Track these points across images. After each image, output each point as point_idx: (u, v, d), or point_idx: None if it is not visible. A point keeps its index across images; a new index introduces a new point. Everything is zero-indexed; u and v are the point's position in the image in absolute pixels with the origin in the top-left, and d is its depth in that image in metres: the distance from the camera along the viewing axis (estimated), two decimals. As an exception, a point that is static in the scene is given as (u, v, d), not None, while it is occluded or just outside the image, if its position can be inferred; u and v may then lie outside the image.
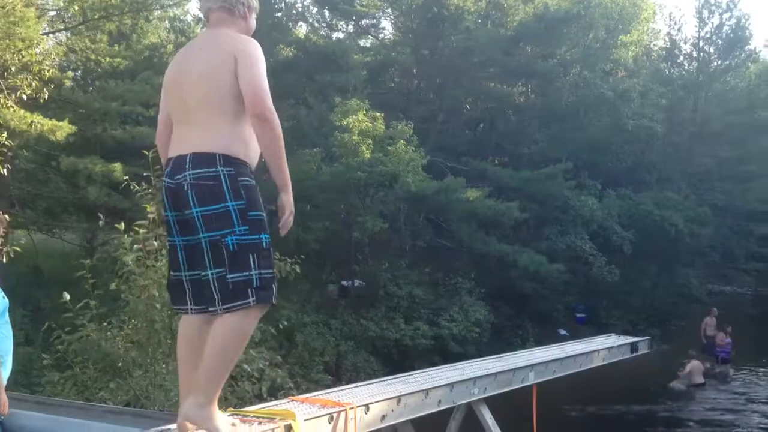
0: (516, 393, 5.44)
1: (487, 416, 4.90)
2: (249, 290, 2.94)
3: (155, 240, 6.27)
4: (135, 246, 6.19)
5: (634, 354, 7.21)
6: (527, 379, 5.35)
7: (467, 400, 4.77)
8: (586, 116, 24.69)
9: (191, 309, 3.15)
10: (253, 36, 3.31)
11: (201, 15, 3.67)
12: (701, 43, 31.23)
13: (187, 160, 2.99)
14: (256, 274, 2.96)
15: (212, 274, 2.97)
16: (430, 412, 4.34)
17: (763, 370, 20.65)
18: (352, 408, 3.67)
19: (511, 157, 24.58)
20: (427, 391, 4.31)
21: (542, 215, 22.50)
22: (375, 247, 19.37)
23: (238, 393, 6.46)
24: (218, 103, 3.03)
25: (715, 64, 31.62)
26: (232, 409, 3.64)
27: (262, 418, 3.37)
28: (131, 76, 17.14)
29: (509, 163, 23.79)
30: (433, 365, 7.43)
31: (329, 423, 3.56)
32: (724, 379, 19.46)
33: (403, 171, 17.29)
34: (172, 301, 3.27)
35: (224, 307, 2.95)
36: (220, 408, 3.12)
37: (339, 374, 15.87)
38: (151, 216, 6.29)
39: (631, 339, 7.33)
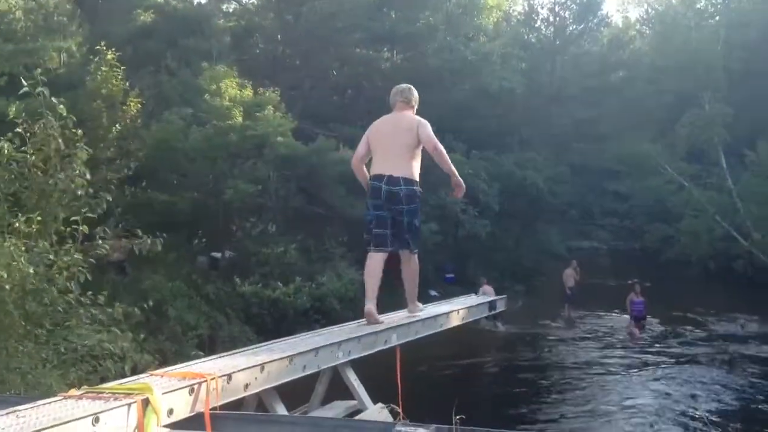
0: (388, 353, 5.58)
1: (352, 378, 5.01)
2: (413, 245, 5.94)
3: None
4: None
5: (492, 312, 7.55)
6: (390, 341, 5.48)
7: (332, 364, 4.85)
8: (451, 80, 25.20)
9: (389, 250, 5.89)
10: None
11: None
12: (557, 8, 32.50)
13: (401, 180, 5.71)
14: (416, 238, 5.97)
15: (407, 236, 5.83)
16: (295, 377, 4.39)
17: (616, 314, 22.16)
18: (213, 378, 3.65)
19: (379, 123, 24.78)
20: (291, 358, 4.35)
21: (411, 179, 22.89)
22: (246, 217, 19.14)
23: (101, 373, 6.28)
24: (409, 148, 5.78)
25: (571, 28, 33.00)
26: (86, 387, 3.52)
27: (119, 393, 3.29)
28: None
29: (378, 128, 23.97)
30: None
31: (190, 395, 3.53)
32: (571, 324, 20.82)
33: (273, 134, 17.12)
34: (375, 245, 5.86)
35: (411, 251, 5.95)
36: (72, 388, 3.15)
37: (214, 347, 15.61)
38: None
39: (489, 298, 7.69)
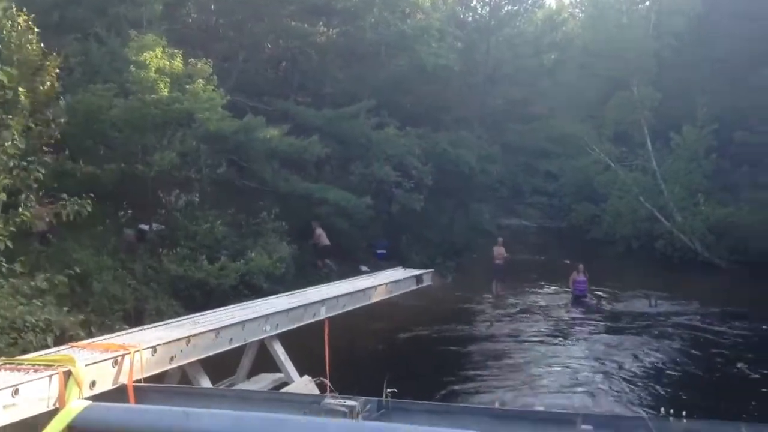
0: (319, 327, 5.57)
1: (279, 352, 4.99)
2: None
3: None
4: None
5: (420, 285, 7.64)
6: (319, 314, 5.48)
7: (259, 337, 4.82)
8: (387, 55, 25.13)
9: None
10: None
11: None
12: (493, -13, 32.61)
13: None
14: None
15: None
16: (221, 350, 4.35)
17: (543, 289, 22.81)
18: (137, 351, 3.59)
19: (315, 97, 24.60)
20: (217, 331, 4.31)
21: (346, 154, 22.86)
22: (174, 189, 18.76)
23: (22, 345, 6.08)
24: None
25: (506, 8, 33.19)
26: (4, 359, 3.41)
27: (39, 365, 3.20)
28: None
29: (312, 102, 23.80)
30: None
31: (113, 367, 3.47)
32: (500, 299, 21.38)
33: (201, 109, 16.80)
34: None
35: None
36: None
37: (141, 320, 15.28)
38: None
39: (416, 272, 7.77)
